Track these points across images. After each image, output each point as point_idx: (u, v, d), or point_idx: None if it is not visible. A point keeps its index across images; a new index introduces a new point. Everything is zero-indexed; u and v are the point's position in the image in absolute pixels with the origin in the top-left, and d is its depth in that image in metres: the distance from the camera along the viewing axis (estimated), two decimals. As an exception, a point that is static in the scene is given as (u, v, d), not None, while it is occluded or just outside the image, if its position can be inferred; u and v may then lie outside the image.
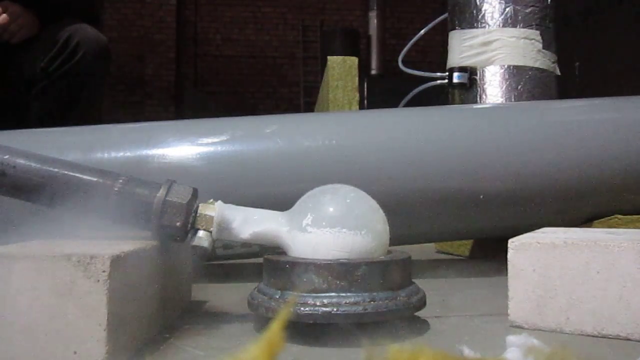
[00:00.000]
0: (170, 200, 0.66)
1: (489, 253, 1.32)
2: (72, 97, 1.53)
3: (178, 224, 0.66)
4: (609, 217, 1.10)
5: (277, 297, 0.65)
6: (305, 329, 0.63)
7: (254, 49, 7.27)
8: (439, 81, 1.69)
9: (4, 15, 1.46)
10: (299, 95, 7.19)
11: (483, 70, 1.51)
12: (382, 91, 5.05)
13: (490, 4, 1.52)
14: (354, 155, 1.04)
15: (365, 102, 5.17)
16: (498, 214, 1.08)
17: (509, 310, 0.71)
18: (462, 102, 1.56)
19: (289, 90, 7.27)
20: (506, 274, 0.71)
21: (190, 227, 0.67)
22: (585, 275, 0.66)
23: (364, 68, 5.19)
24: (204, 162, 1.01)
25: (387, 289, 0.65)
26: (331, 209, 0.67)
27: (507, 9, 1.50)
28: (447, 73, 1.60)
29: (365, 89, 5.33)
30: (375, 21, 6.61)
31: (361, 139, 1.07)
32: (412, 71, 1.81)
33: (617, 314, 0.64)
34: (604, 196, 1.10)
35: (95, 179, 0.67)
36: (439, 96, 1.64)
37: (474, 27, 1.54)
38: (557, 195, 1.08)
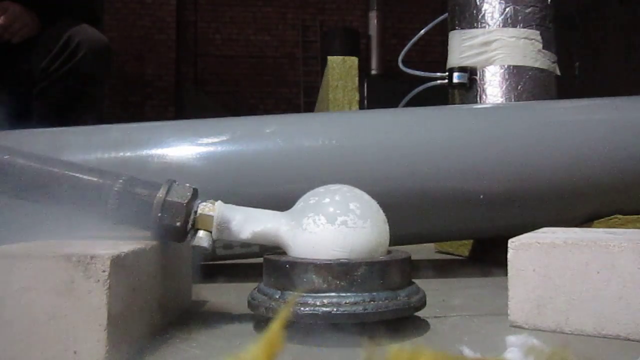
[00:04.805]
0: (170, 200, 0.66)
1: (489, 253, 1.32)
2: (72, 97, 1.53)
3: (178, 224, 0.66)
4: (609, 217, 1.10)
5: (277, 297, 0.65)
6: (305, 329, 0.63)
7: (254, 49, 7.27)
8: (439, 81, 1.69)
9: (5, 15, 1.46)
10: (299, 95, 7.19)
11: (483, 70, 1.51)
12: (382, 91, 5.05)
13: (490, 4, 1.52)
14: (354, 155, 1.04)
15: (365, 102, 5.17)
16: (498, 214, 1.08)
17: (509, 310, 0.71)
18: (462, 102, 1.56)
19: (289, 90, 7.27)
20: (506, 274, 0.71)
21: (190, 227, 0.67)
22: (585, 275, 0.66)
23: (364, 68, 5.19)
24: (204, 162, 1.01)
25: (387, 289, 0.65)
26: (331, 209, 0.67)
27: (507, 9, 1.50)
28: (447, 73, 1.60)
29: (365, 89, 5.32)
30: (375, 21, 6.60)
31: (361, 139, 1.07)
32: (412, 71, 1.81)
33: (617, 314, 0.64)
34: (604, 196, 1.10)
35: (95, 179, 0.67)
36: (439, 96, 1.64)
37: (474, 27, 1.54)
38: (557, 195, 1.08)
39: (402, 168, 1.04)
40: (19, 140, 1.02)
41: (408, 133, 1.09)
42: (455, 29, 1.60)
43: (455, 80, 1.54)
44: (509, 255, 0.71)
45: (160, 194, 0.66)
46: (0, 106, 1.54)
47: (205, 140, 1.02)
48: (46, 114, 1.50)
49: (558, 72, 1.54)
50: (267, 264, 0.69)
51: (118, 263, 0.55)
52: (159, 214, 0.65)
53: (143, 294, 0.62)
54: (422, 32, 1.95)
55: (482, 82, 1.51)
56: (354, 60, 2.53)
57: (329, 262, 0.64)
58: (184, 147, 1.02)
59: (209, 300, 0.89)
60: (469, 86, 1.53)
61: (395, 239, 0.74)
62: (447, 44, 1.63)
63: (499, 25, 1.50)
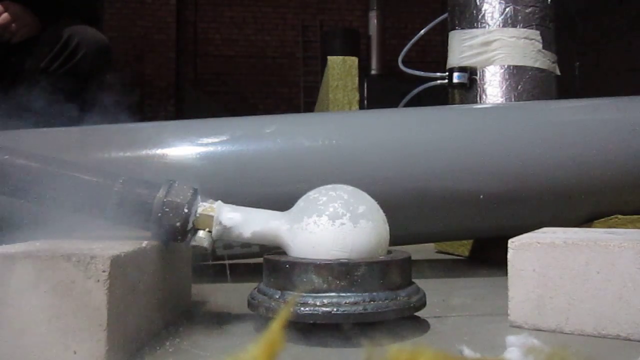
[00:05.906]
0: (170, 200, 0.66)
1: (489, 253, 1.32)
2: (72, 97, 1.53)
3: (178, 224, 0.66)
4: (609, 217, 1.10)
5: (277, 297, 0.65)
6: (305, 329, 0.63)
7: (254, 49, 7.26)
8: (439, 81, 1.69)
9: (5, 15, 1.46)
10: (299, 95, 7.19)
11: (483, 70, 1.51)
12: (382, 91, 5.05)
13: (490, 4, 1.52)
14: (354, 155, 1.04)
15: (365, 102, 5.17)
16: (498, 214, 1.08)
17: (509, 310, 0.71)
18: (462, 102, 1.56)
19: (289, 90, 7.27)
20: (506, 274, 0.71)
21: (190, 227, 0.67)
22: (585, 275, 0.66)
23: (364, 68, 5.19)
24: (204, 162, 1.01)
25: (387, 289, 0.65)
26: (331, 209, 0.67)
27: (507, 9, 1.50)
28: (447, 73, 1.60)
29: (365, 89, 5.32)
30: (375, 21, 6.60)
31: (361, 139, 1.07)
32: (412, 71, 1.81)
33: (617, 314, 0.64)
34: (604, 196, 1.10)
35: (95, 179, 0.66)
36: (439, 96, 1.64)
37: (474, 27, 1.54)
38: (557, 195, 1.08)
39: (402, 168, 1.04)
40: (19, 140, 1.01)
41: (408, 133, 1.09)
42: (455, 29, 1.60)
43: (455, 80, 1.54)
44: (509, 255, 0.71)
45: (161, 194, 0.66)
46: (1, 106, 1.54)
47: (205, 140, 1.02)
48: (46, 114, 1.50)
49: (558, 72, 1.54)
50: (267, 264, 0.69)
51: (118, 263, 0.55)
52: (159, 214, 0.65)
53: (143, 294, 0.62)
54: (422, 32, 1.96)
55: (482, 82, 1.51)
56: (354, 60, 2.53)
57: (329, 262, 0.64)
58: (184, 147, 1.02)
59: (209, 300, 0.89)
60: (469, 86, 1.53)
61: (395, 239, 0.74)
62: (447, 44, 1.63)
63: (499, 25, 1.50)
